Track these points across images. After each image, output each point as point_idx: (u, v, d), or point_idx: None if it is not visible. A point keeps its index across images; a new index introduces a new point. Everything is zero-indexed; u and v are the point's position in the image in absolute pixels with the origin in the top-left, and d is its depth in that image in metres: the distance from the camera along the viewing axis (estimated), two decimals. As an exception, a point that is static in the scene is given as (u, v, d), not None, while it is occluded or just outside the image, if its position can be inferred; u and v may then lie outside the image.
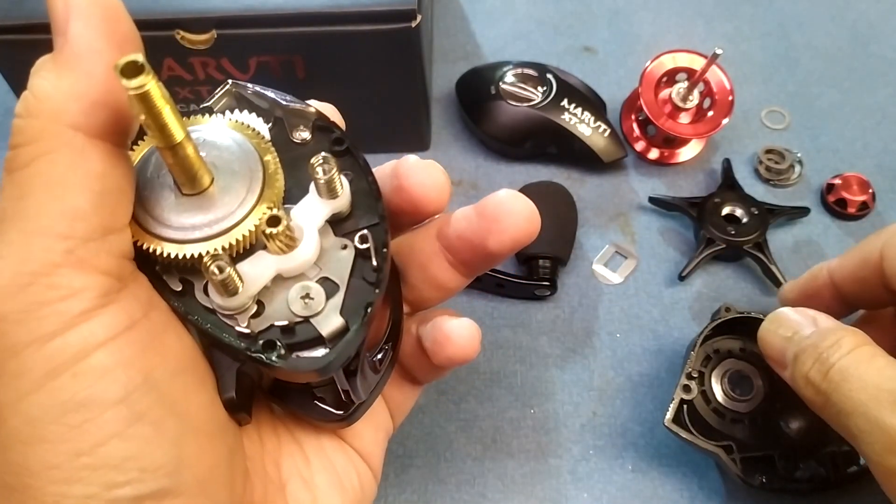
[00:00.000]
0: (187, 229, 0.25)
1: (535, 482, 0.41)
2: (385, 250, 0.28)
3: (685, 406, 0.40)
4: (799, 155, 0.53)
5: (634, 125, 0.54)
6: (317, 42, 0.44)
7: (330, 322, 0.26)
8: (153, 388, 0.23)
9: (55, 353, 0.21)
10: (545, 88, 0.52)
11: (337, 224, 0.28)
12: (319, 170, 0.26)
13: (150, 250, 0.25)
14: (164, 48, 0.44)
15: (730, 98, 0.51)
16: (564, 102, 0.51)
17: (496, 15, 0.61)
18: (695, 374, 0.40)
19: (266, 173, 0.26)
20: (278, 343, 0.26)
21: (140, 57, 0.21)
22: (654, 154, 0.53)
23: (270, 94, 0.30)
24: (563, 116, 0.51)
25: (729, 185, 0.50)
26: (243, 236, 0.25)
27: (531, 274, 0.47)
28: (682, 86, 0.51)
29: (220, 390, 0.26)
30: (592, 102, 0.52)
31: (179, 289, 0.26)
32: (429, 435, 0.43)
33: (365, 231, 0.28)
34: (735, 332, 0.42)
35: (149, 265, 0.25)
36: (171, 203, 0.25)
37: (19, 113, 0.22)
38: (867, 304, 0.38)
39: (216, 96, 0.29)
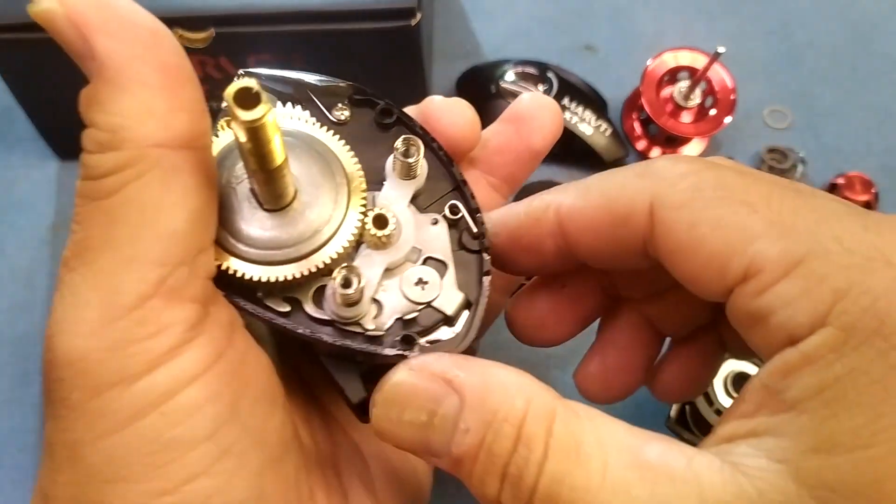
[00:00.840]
0: (287, 248, 0.24)
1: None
2: (479, 214, 0.27)
3: (687, 407, 0.40)
4: (802, 154, 0.53)
5: (636, 124, 0.54)
6: (316, 40, 0.44)
7: (452, 301, 0.26)
8: (238, 419, 0.22)
9: (141, 393, 0.20)
10: (546, 87, 0.51)
11: (413, 200, 0.27)
12: (406, 153, 0.26)
13: (253, 279, 0.24)
14: (162, 46, 0.44)
15: (732, 97, 0.50)
16: (565, 101, 0.51)
17: (497, 13, 0.61)
18: (697, 376, 0.40)
19: (345, 170, 0.25)
20: (415, 336, 0.25)
21: (254, 83, 0.19)
22: (655, 153, 0.53)
23: (293, 75, 0.28)
24: (564, 115, 0.50)
25: (731, 185, 0.50)
26: (349, 241, 0.24)
27: (532, 274, 0.46)
28: (683, 84, 0.51)
29: (346, 397, 0.25)
30: (594, 101, 0.52)
31: (287, 309, 0.25)
32: (429, 436, 0.42)
33: (454, 201, 0.27)
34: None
35: (248, 291, 0.24)
36: (257, 220, 0.24)
37: (91, 149, 0.21)
38: (609, 265, 0.27)
39: None
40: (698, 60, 0.51)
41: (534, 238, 0.27)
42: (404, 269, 0.26)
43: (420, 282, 0.26)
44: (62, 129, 0.51)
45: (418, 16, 0.43)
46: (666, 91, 0.51)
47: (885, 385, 0.18)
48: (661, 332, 0.31)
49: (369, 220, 0.25)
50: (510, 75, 0.52)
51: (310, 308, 0.25)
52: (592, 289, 0.30)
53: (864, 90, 0.56)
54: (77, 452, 0.21)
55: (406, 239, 0.26)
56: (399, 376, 0.23)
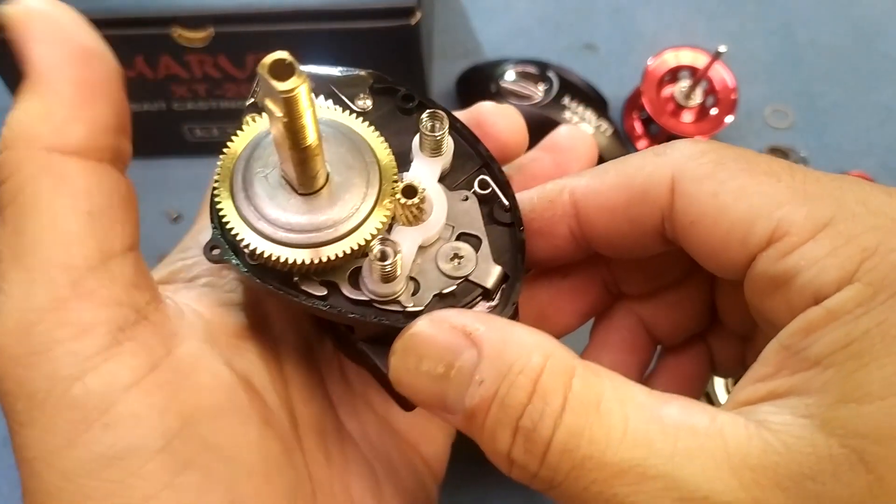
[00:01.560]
0: (323, 230, 0.24)
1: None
2: (510, 189, 0.27)
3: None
4: (803, 154, 0.52)
5: (637, 124, 0.53)
6: (315, 39, 0.44)
7: (490, 273, 0.26)
8: (195, 432, 0.22)
9: (78, 400, 0.20)
10: (546, 86, 0.51)
11: (441, 180, 0.27)
12: (430, 128, 0.26)
13: (289, 262, 0.24)
14: (161, 45, 0.44)
15: (733, 96, 0.50)
16: (566, 101, 0.51)
17: (497, 12, 0.61)
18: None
19: (374, 151, 0.26)
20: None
21: (287, 55, 0.19)
22: (656, 153, 0.53)
23: (314, 69, 0.28)
24: (564, 115, 0.50)
25: (732, 185, 0.50)
26: (384, 219, 0.25)
27: (532, 274, 0.46)
28: (684, 84, 0.50)
29: (388, 382, 0.25)
30: (594, 101, 0.52)
31: (324, 293, 0.25)
32: (428, 437, 0.42)
33: (483, 176, 0.27)
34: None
35: (284, 277, 0.25)
36: (292, 205, 0.24)
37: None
38: (621, 250, 0.27)
39: (257, 91, 0.28)
40: (699, 60, 0.51)
41: (546, 222, 0.27)
42: (439, 246, 0.26)
43: (455, 256, 0.26)
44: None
45: (418, 15, 0.43)
46: (667, 90, 0.51)
47: None
48: (654, 337, 0.30)
49: (398, 191, 0.25)
50: (510, 74, 0.52)
51: (347, 290, 0.25)
52: (594, 281, 0.30)
53: (865, 89, 0.56)
54: (35, 470, 0.21)
55: (438, 215, 0.26)
56: (419, 326, 0.23)
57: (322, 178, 0.24)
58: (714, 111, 0.51)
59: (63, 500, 0.20)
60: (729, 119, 0.50)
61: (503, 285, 0.26)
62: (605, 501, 0.19)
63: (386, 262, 0.23)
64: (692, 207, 0.23)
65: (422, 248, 0.26)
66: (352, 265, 0.25)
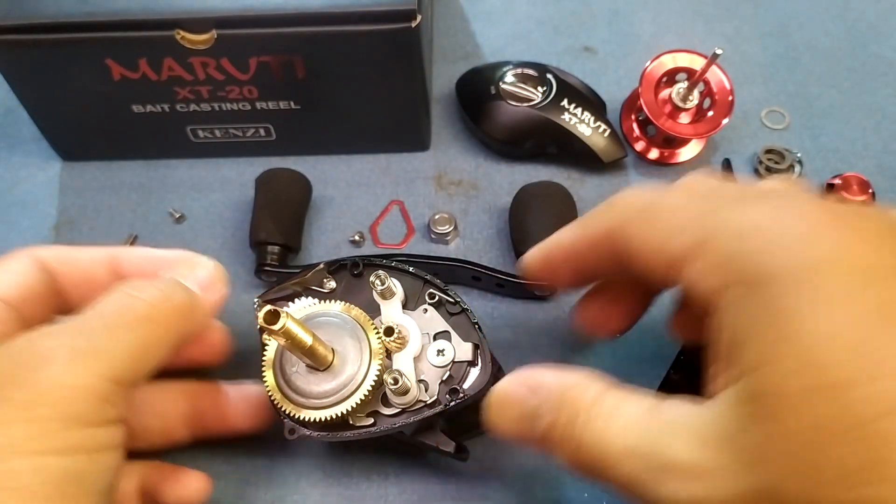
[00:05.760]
0: (348, 384, 0.34)
1: (536, 482, 0.41)
2: (446, 288, 0.37)
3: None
4: (799, 155, 0.53)
5: (634, 125, 0.54)
6: (317, 42, 0.44)
7: (466, 350, 0.36)
8: None
9: None
10: (545, 88, 0.52)
11: (405, 307, 0.38)
12: (379, 283, 0.36)
13: (340, 415, 0.34)
14: (164, 48, 0.44)
15: (730, 98, 0.51)
16: (564, 102, 0.51)
17: (496, 15, 0.61)
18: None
19: (359, 320, 0.35)
20: (457, 386, 0.35)
21: (271, 307, 0.30)
22: (654, 154, 0.53)
23: (286, 291, 0.38)
24: (563, 116, 0.51)
25: (729, 185, 0.50)
26: (381, 360, 0.35)
27: (531, 274, 0.47)
28: (682, 86, 0.51)
29: (443, 451, 0.36)
30: (592, 102, 0.52)
31: (372, 421, 0.35)
32: (429, 435, 0.43)
33: (430, 290, 0.37)
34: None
35: (342, 425, 0.35)
36: (321, 378, 0.34)
37: None
38: (606, 275, 0.36)
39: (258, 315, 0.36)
40: (696, 62, 0.51)
41: (554, 262, 0.35)
42: (426, 351, 0.36)
43: (439, 352, 0.36)
44: (65, 130, 0.51)
45: (419, 18, 0.43)
46: (664, 92, 0.52)
47: (771, 317, 0.24)
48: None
49: (381, 334, 0.35)
50: (510, 77, 0.52)
51: (385, 411, 0.35)
52: (631, 290, 0.37)
53: (861, 91, 0.57)
54: None
55: (414, 333, 0.36)
56: (501, 387, 0.32)
57: (329, 358, 0.34)
58: (711, 113, 0.51)
59: None
60: (725, 121, 0.50)
61: (478, 351, 0.36)
62: (623, 481, 0.27)
63: (398, 385, 0.33)
64: (631, 246, 0.31)
65: (416, 359, 0.36)
66: (379, 395, 0.35)
